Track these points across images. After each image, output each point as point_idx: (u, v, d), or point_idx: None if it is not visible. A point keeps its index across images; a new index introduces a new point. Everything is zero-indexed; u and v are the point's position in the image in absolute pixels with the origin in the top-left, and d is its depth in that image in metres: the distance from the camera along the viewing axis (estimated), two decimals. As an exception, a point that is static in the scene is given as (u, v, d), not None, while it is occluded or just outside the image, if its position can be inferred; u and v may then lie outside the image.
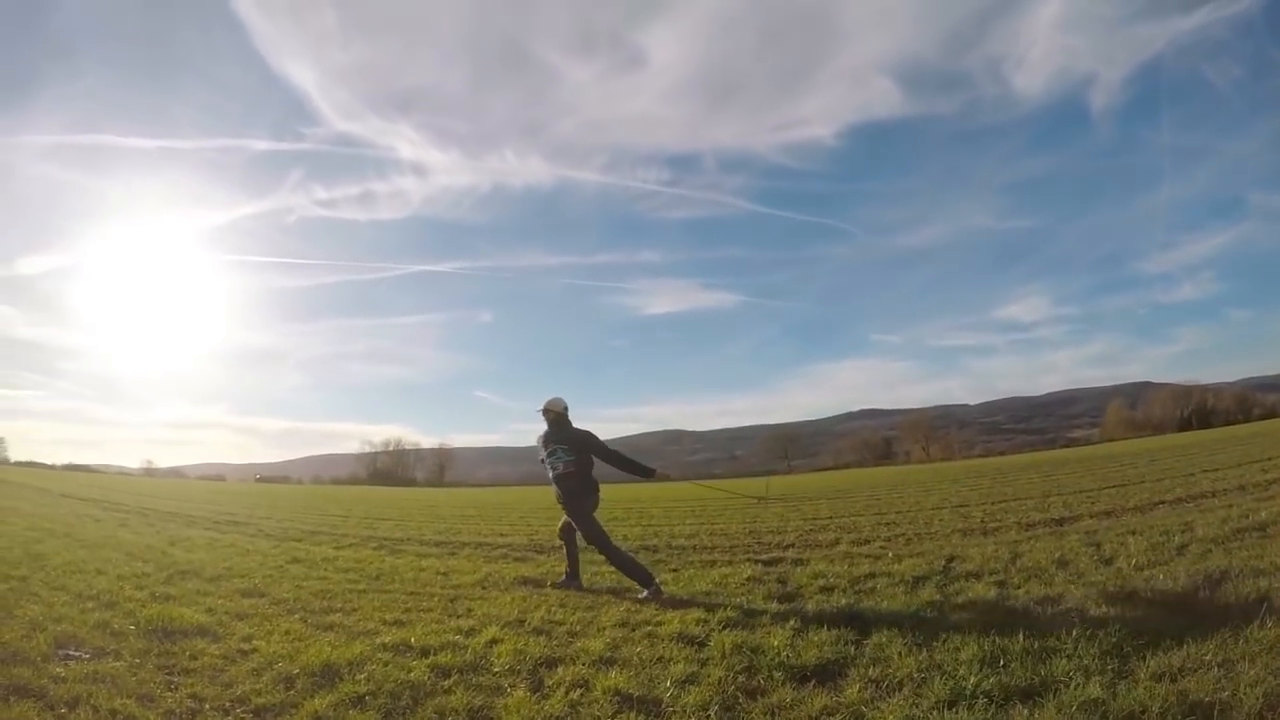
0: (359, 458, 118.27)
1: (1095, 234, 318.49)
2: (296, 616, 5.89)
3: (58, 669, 4.10)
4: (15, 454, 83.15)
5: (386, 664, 4.37)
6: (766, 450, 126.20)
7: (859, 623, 4.83)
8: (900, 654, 4.07)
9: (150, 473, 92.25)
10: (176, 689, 3.97)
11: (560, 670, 4.20)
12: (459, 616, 5.85)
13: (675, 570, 7.92)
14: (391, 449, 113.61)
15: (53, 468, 72.64)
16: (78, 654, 4.44)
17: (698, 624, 5.10)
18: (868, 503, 17.00)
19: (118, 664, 4.29)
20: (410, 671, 4.20)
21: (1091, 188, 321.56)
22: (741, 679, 3.88)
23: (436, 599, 6.69)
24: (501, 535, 13.36)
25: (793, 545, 9.57)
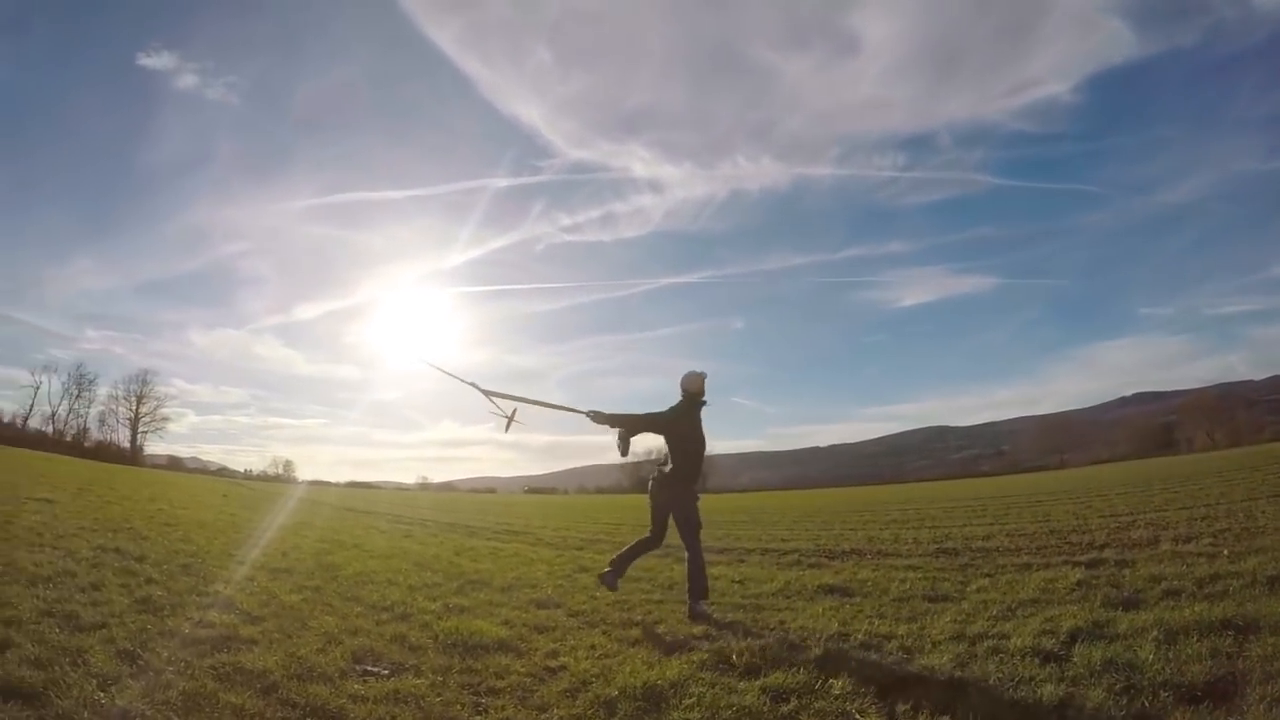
0: (621, 467, 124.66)
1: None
2: (598, 630, 5.76)
3: (356, 686, 4.08)
4: (302, 474, 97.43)
5: (712, 685, 4.13)
6: (1035, 444, 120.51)
7: (1230, 630, 4.43)
8: (1302, 666, 3.67)
9: (424, 487, 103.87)
10: (485, 711, 3.84)
11: (912, 693, 3.85)
12: (771, 629, 5.56)
13: (990, 575, 7.53)
14: (654, 458, 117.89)
15: (336, 485, 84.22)
16: (376, 669, 4.45)
17: (1045, 634, 4.78)
18: (1166, 496, 16.13)
19: (419, 681, 4.22)
20: (743, 695, 3.90)
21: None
22: (1124, 701, 3.50)
23: (741, 610, 6.51)
24: (783, 540, 13.00)
25: (1107, 545, 9.02)
